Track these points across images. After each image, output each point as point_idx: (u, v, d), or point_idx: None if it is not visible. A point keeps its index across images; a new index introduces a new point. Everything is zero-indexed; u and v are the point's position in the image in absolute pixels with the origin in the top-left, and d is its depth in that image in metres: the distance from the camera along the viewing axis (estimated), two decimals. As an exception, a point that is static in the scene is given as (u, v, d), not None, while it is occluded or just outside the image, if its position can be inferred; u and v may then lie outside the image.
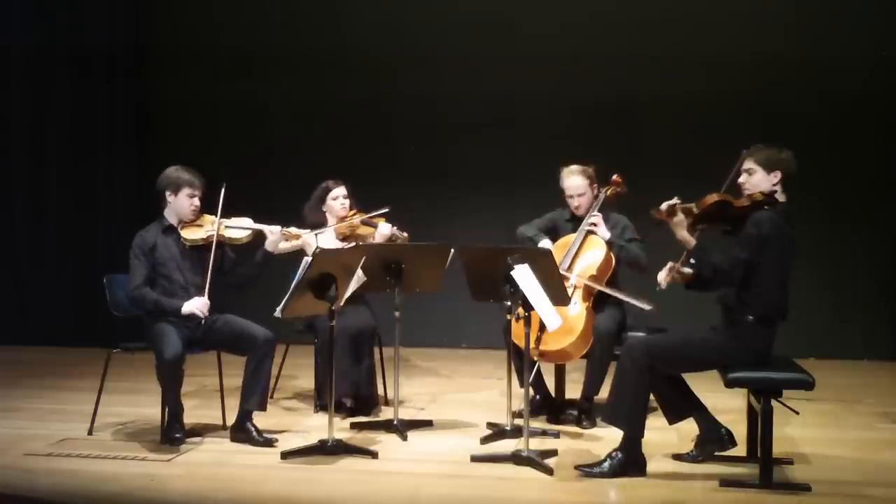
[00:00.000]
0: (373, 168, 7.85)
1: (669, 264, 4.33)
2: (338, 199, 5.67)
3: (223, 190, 4.96)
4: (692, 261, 4.24)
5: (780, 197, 4.26)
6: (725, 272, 4.16)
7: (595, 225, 5.35)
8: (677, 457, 4.55)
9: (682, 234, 4.22)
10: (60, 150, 8.36)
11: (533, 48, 7.92)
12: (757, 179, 4.26)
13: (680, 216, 4.20)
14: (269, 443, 4.78)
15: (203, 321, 4.85)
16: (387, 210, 5.57)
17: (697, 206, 4.22)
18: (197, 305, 4.84)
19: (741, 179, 4.31)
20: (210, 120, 8.31)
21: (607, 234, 5.35)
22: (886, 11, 7.57)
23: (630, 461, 4.28)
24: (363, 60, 8.14)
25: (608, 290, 5.24)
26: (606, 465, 4.28)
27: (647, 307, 5.04)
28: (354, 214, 5.69)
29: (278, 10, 8.30)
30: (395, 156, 8.11)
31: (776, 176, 4.24)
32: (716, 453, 4.46)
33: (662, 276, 4.34)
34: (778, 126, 7.58)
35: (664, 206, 4.22)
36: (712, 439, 4.45)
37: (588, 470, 4.30)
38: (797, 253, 4.26)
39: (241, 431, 4.86)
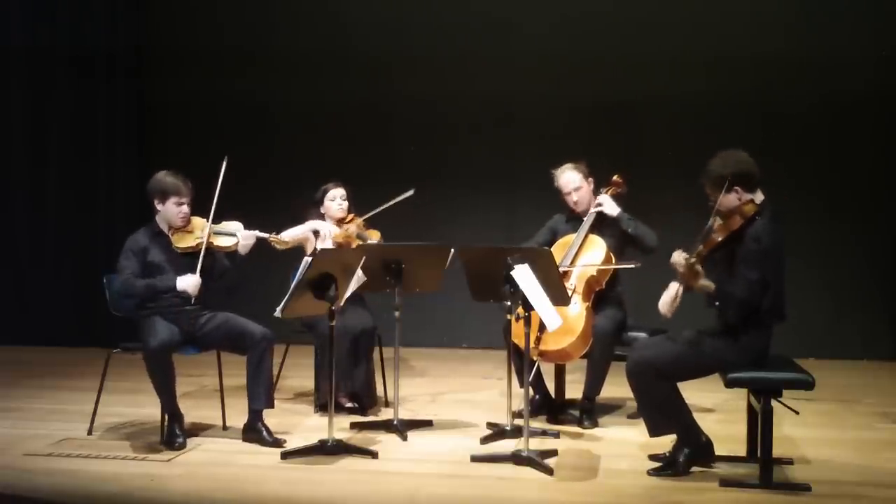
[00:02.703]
0: (372, 168, 7.84)
1: (672, 289, 4.22)
2: (335, 200, 5.65)
3: (224, 164, 4.95)
4: (717, 304, 4.19)
5: (758, 198, 4.22)
6: (748, 301, 4.08)
7: (601, 205, 5.34)
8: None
9: (702, 283, 4.14)
10: (60, 150, 8.35)
11: (532, 48, 7.91)
12: (728, 202, 4.19)
13: (698, 268, 4.11)
14: (279, 443, 4.80)
15: (193, 300, 4.86)
16: (411, 192, 5.56)
17: (705, 247, 4.17)
18: (189, 282, 4.85)
19: (716, 208, 4.22)
20: (210, 120, 8.30)
21: (616, 210, 5.34)
22: (886, 11, 7.56)
23: (697, 449, 4.28)
24: (363, 60, 8.14)
25: (601, 266, 5.24)
26: (680, 463, 4.26)
27: (634, 265, 5.16)
28: (352, 218, 5.69)
29: (278, 10, 8.30)
30: (395, 156, 8.10)
31: (737, 190, 4.18)
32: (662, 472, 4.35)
33: (666, 306, 4.22)
34: (778, 126, 7.59)
35: (683, 267, 4.12)
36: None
37: (660, 472, 4.29)
38: (787, 252, 4.21)
39: (253, 431, 4.88)
